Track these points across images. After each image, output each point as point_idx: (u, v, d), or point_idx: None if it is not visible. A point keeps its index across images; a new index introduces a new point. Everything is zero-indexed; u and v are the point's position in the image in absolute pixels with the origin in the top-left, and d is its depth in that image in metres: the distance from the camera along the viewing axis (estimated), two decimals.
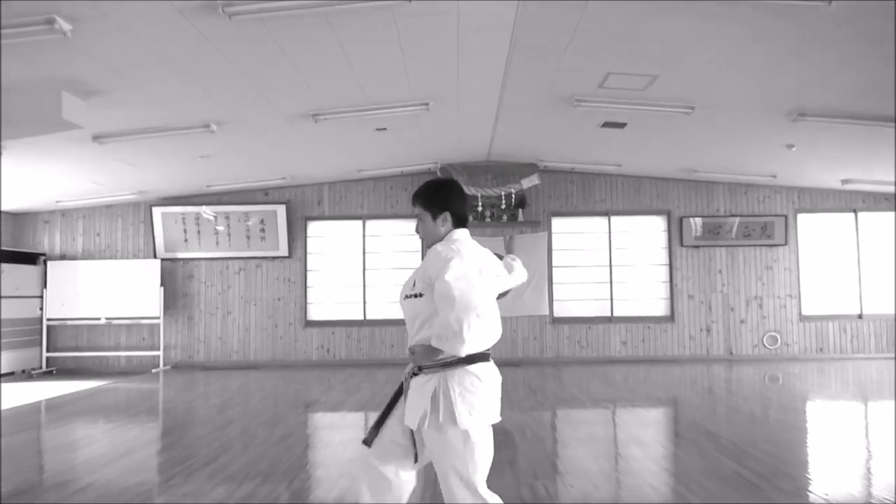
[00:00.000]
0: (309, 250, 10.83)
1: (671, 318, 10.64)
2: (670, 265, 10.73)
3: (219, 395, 7.99)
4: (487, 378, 2.40)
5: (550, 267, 10.63)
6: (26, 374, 10.01)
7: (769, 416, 6.34)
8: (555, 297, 10.61)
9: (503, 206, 10.42)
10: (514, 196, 10.37)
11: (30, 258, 10.38)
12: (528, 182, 10.26)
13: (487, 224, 10.47)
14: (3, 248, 9.83)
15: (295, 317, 10.68)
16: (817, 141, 7.89)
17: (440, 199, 2.60)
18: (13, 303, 9.85)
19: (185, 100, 6.13)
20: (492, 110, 7.52)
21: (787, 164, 9.18)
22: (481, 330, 2.27)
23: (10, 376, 9.73)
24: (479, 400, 2.35)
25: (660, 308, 10.72)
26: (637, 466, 4.45)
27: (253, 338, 10.70)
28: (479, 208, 10.40)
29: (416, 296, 2.44)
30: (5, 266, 9.69)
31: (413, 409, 2.40)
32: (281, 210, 10.60)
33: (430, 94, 6.63)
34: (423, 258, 2.57)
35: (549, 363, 10.35)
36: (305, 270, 10.77)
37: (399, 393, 2.55)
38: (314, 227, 10.91)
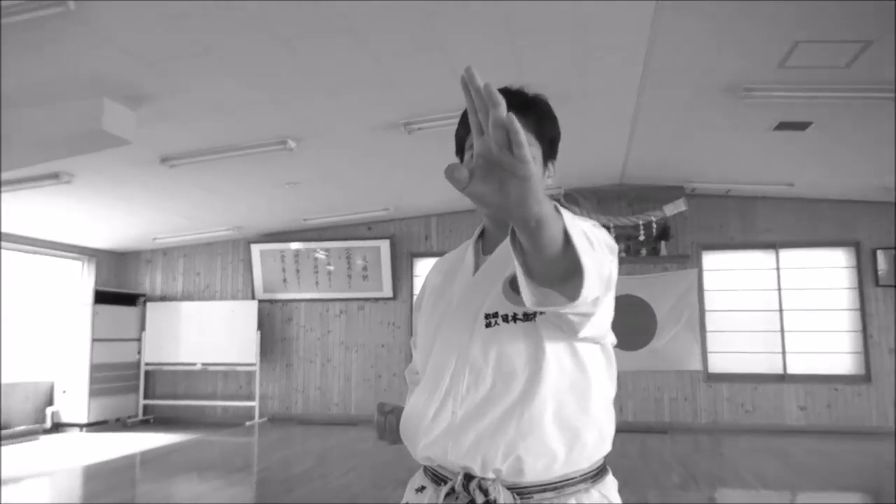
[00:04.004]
0: (415, 291, 9.59)
1: (867, 377, 8.29)
2: (862, 310, 8.43)
3: (303, 460, 6.82)
4: None
5: (703, 311, 8.64)
6: (121, 423, 9.39)
7: None
8: (709, 349, 8.61)
9: (641, 239, 8.64)
10: (654, 226, 8.58)
11: (129, 299, 9.90)
12: (673, 208, 8.46)
13: (623, 259, 8.74)
14: (99, 288, 9.38)
15: (399, 367, 9.42)
16: None
17: (557, 133, 1.37)
18: (109, 346, 9.32)
19: (247, 108, 5.09)
20: (627, 114, 5.96)
21: None
22: None
23: (104, 424, 9.13)
24: None
25: (850, 364, 8.42)
26: None
27: (354, 388, 9.55)
28: None
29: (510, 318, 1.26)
30: (101, 308, 9.20)
31: None
32: (385, 245, 9.48)
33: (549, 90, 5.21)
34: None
35: (703, 430, 8.33)
36: (411, 314, 9.51)
37: None
38: (421, 265, 9.67)
